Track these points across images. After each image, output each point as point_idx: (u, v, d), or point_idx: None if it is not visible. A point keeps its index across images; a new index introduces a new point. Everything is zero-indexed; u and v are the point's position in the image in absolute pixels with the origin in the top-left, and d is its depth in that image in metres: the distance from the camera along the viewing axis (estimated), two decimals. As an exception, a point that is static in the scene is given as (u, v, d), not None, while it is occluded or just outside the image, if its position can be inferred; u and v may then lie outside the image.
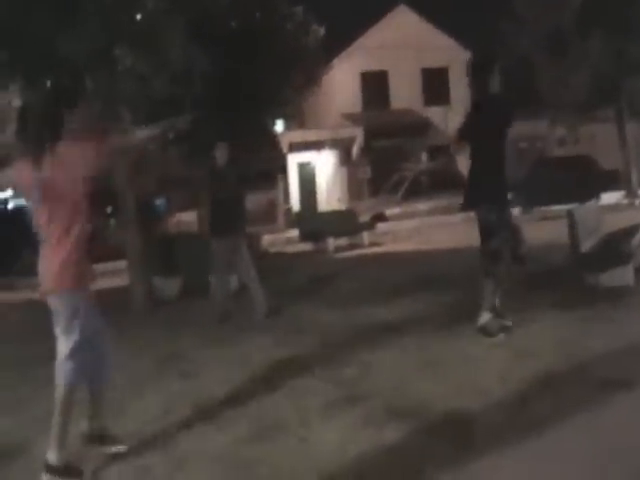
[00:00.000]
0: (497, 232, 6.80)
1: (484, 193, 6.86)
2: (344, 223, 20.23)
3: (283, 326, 8.78)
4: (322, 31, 19.25)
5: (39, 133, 4.67)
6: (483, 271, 6.96)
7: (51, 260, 4.67)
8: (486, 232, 6.86)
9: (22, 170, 4.72)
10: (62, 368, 4.70)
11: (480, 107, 6.95)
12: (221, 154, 9.69)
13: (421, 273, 11.18)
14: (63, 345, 4.73)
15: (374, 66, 36.92)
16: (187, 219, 24.79)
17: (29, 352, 8.57)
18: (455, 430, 4.55)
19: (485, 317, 6.84)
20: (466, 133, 7.03)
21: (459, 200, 7.33)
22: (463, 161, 8.76)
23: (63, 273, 4.65)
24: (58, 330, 4.77)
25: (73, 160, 4.66)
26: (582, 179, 24.06)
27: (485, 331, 6.79)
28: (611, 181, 25.66)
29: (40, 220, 4.69)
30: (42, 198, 4.62)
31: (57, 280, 4.67)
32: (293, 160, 35.54)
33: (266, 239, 22.21)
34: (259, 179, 26.99)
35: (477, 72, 7.07)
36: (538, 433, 4.34)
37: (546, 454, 4.10)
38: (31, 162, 4.64)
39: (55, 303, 4.74)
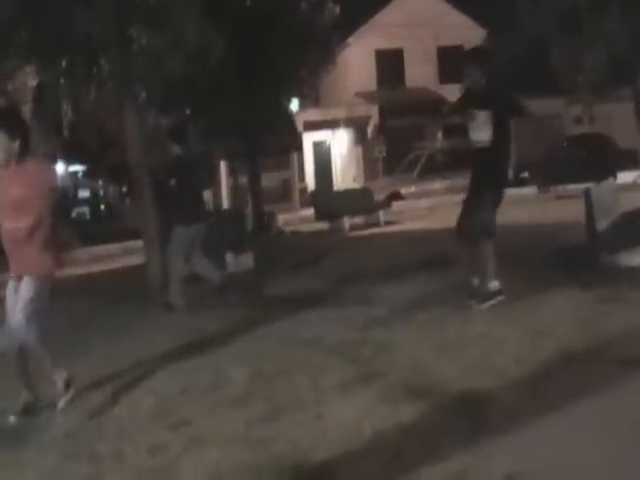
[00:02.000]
0: None
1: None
2: (360, 202, 20.19)
3: (297, 303, 8.81)
4: (337, 9, 19.16)
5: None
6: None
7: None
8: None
9: None
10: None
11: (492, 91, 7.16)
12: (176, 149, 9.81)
13: (437, 252, 11.13)
14: None
15: (389, 44, 36.71)
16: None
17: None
18: (471, 409, 4.55)
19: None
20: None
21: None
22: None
23: None
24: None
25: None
26: (598, 158, 23.89)
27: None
28: (628, 160, 25.47)
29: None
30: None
31: None
32: (308, 139, 35.46)
33: (281, 218, 22.21)
34: (274, 158, 27.03)
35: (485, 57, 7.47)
36: (554, 413, 4.34)
37: (562, 434, 4.09)
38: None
39: None
